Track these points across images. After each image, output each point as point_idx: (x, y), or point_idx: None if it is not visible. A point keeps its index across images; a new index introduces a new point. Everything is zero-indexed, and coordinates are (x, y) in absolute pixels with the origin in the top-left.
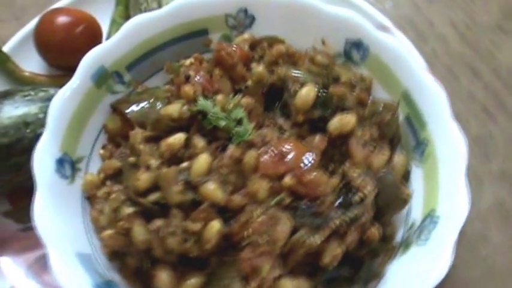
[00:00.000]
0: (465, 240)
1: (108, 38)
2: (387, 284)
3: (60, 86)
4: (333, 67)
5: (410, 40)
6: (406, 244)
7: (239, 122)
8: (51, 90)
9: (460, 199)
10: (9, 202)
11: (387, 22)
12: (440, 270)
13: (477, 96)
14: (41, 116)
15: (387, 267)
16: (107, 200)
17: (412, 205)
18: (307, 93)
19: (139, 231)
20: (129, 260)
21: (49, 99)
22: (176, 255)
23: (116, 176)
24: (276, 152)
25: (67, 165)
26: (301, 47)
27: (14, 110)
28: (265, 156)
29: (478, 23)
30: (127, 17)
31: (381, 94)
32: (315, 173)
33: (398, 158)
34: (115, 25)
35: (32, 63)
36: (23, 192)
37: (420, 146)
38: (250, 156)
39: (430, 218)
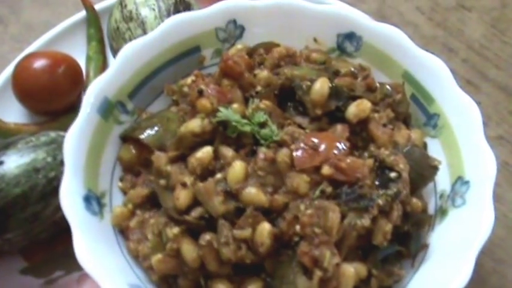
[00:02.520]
0: None
1: (87, 75)
2: (434, 253)
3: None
4: (330, 62)
5: None
6: (441, 212)
7: (262, 125)
8: (52, 134)
9: (486, 159)
10: (24, 258)
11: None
12: (485, 229)
13: (459, 72)
14: (49, 159)
15: (431, 237)
16: (142, 228)
17: (437, 176)
18: (321, 86)
19: (190, 249)
20: (181, 282)
21: (53, 142)
22: (231, 266)
23: (145, 203)
24: (307, 145)
25: (93, 201)
26: (295, 47)
27: (21, 159)
28: (299, 152)
29: (441, 4)
30: (103, 52)
31: (381, 80)
32: (349, 159)
33: (415, 134)
34: (91, 62)
35: (12, 114)
36: (37, 246)
37: (431, 120)
38: (284, 154)
39: (460, 183)
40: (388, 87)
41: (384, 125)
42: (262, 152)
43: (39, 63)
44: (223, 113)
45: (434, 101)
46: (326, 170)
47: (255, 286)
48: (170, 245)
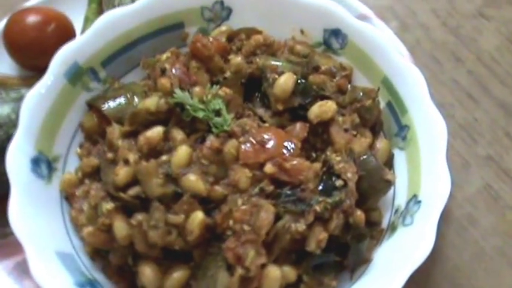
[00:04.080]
0: (455, 223)
1: None
2: (374, 268)
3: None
4: (313, 56)
5: (392, 29)
6: (392, 228)
7: (218, 113)
8: (23, 91)
9: (441, 182)
10: None
11: (368, 12)
12: (423, 251)
13: (461, 83)
14: (13, 116)
15: (375, 252)
16: (86, 198)
17: (397, 190)
18: (285, 81)
19: (121, 227)
20: (112, 257)
21: (21, 99)
22: (160, 250)
23: (94, 174)
24: (256, 140)
25: (43, 164)
26: (280, 38)
27: None
28: (246, 145)
29: (460, 10)
30: (101, 14)
31: (361, 82)
32: (296, 160)
33: (381, 143)
34: (89, 23)
35: (2, 65)
36: None
37: (402, 131)
38: (231, 146)
39: (413, 201)
40: (360, 91)
41: (346, 130)
42: (210, 140)
43: (30, 19)
44: (179, 95)
45: (407, 112)
46: (269, 168)
47: (181, 273)
48: (103, 220)
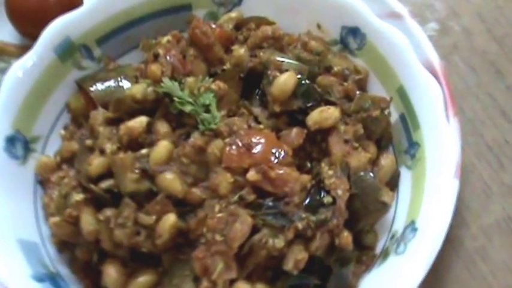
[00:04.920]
0: (464, 256)
1: None
2: None
3: None
4: (326, 55)
5: (430, 30)
6: (384, 255)
7: (208, 108)
8: (13, 62)
9: (441, 210)
10: None
11: (402, 9)
12: (411, 285)
13: (497, 99)
14: None
15: (362, 279)
16: (60, 185)
17: (398, 213)
18: (286, 80)
19: (88, 221)
20: (78, 252)
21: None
22: (127, 250)
23: (73, 160)
24: (242, 143)
25: (19, 144)
26: (294, 31)
27: None
28: (231, 147)
29: (509, 17)
30: None
31: (376, 88)
32: (283, 169)
33: (386, 160)
34: None
35: (3, 32)
36: None
37: (412, 149)
38: (215, 146)
39: (410, 228)
40: (369, 100)
41: (346, 141)
42: (193, 138)
43: None
44: (166, 84)
45: (419, 128)
46: (252, 175)
47: (147, 278)
48: (70, 211)
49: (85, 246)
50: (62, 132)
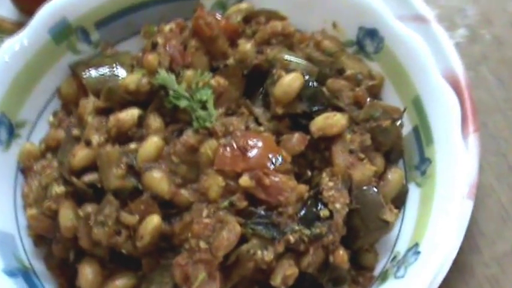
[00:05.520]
0: (474, 284)
1: None
2: None
3: None
4: (339, 56)
5: (458, 37)
6: (383, 278)
7: (204, 105)
8: (6, 39)
9: (446, 236)
10: None
11: (428, 13)
12: None
13: None
14: None
15: None
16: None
17: (402, 233)
18: (291, 81)
19: (66, 215)
20: (54, 248)
21: None
22: (107, 250)
23: (56, 149)
24: (238, 145)
25: (3, 128)
26: (307, 29)
27: None
28: (225, 149)
29: None
30: None
31: (391, 96)
32: (279, 176)
33: (394, 175)
34: None
35: (1, 8)
36: None
37: (423, 165)
38: (208, 146)
39: (413, 251)
40: (380, 108)
41: (351, 152)
42: (186, 136)
43: None
44: (162, 76)
45: (432, 143)
46: (245, 180)
47: (124, 282)
48: (49, 204)
49: (62, 243)
50: (51, 118)
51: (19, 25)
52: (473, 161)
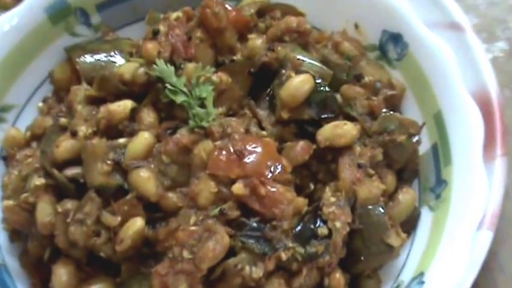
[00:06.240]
0: None
1: None
2: None
3: None
4: (359, 61)
5: (496, 51)
6: None
7: (204, 102)
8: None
9: (454, 268)
10: None
11: (464, 21)
12: None
13: None
14: None
15: None
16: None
17: (410, 260)
18: (299, 84)
19: (44, 210)
20: (29, 244)
21: None
22: (84, 252)
23: (42, 137)
24: (234, 149)
25: None
26: (326, 27)
27: None
28: (220, 152)
29: None
30: None
31: (411, 109)
32: (276, 187)
33: (405, 195)
34: None
35: None
36: None
37: (438, 187)
38: (202, 147)
39: (417, 280)
40: (396, 121)
41: (360, 166)
42: (179, 134)
43: None
44: (160, 67)
45: (450, 164)
46: (238, 187)
47: (100, 287)
48: (26, 196)
49: (38, 240)
50: (40, 104)
51: (19, 1)
52: (498, 188)
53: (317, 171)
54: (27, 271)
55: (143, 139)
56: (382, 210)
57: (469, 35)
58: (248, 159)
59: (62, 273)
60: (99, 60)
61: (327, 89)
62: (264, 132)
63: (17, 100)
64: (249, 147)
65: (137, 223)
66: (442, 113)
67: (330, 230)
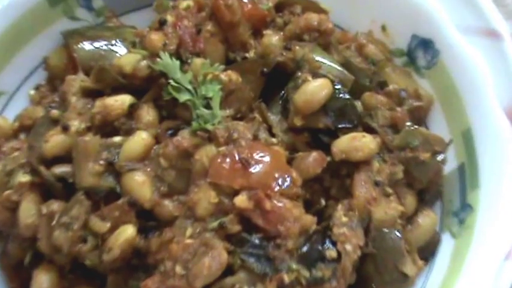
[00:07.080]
0: None
1: None
2: None
3: None
4: (384, 67)
5: None
6: None
7: (209, 103)
8: None
9: None
10: None
11: (504, 28)
12: None
13: None
14: None
15: None
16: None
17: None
18: (316, 89)
19: (28, 210)
20: (10, 246)
21: None
22: (68, 259)
23: (31, 128)
24: (240, 156)
25: None
26: (351, 27)
27: None
28: (224, 159)
29: None
30: None
31: (438, 123)
32: (283, 202)
33: (425, 219)
34: None
35: None
36: None
37: (463, 212)
38: (205, 152)
39: None
40: (420, 136)
41: (377, 184)
42: (180, 136)
43: None
44: (164, 61)
45: (477, 188)
46: (241, 200)
47: None
48: (9, 193)
49: (19, 242)
50: (32, 92)
51: None
52: None
53: (330, 186)
54: (7, 274)
55: (140, 139)
56: (399, 235)
57: (507, 44)
58: (254, 168)
59: (42, 280)
60: (98, 48)
61: (346, 95)
62: (273, 140)
63: (6, 86)
64: (256, 156)
65: (128, 231)
66: (472, 130)
67: (339, 253)
